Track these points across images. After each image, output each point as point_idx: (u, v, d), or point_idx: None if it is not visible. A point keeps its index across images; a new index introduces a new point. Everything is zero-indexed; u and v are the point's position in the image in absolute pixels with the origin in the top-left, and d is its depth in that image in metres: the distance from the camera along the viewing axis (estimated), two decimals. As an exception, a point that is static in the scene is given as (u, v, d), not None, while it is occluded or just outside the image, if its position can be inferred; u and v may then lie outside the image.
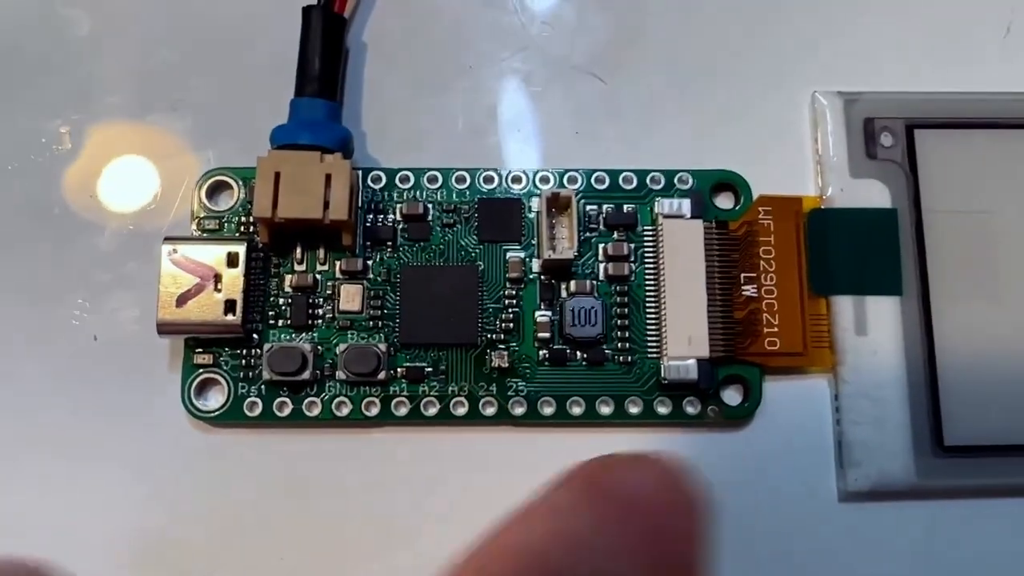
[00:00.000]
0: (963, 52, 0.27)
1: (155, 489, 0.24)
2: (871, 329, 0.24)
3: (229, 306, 0.24)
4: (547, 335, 0.24)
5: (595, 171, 0.25)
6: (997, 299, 0.25)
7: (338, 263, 0.25)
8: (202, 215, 0.25)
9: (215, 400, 0.24)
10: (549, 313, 0.25)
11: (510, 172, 0.25)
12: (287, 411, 0.24)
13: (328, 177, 0.23)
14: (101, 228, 0.25)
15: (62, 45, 0.27)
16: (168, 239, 0.24)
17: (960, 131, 0.26)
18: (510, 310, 0.25)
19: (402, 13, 0.27)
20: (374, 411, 0.24)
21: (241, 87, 0.26)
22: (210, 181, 0.25)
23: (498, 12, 0.27)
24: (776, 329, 0.24)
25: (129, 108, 0.26)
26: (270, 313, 0.24)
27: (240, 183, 0.25)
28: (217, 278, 0.24)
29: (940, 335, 0.24)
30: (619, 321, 0.25)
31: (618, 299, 0.25)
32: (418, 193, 0.25)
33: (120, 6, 0.27)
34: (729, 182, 0.25)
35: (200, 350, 0.24)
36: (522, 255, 0.25)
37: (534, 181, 0.25)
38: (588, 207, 0.25)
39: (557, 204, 0.24)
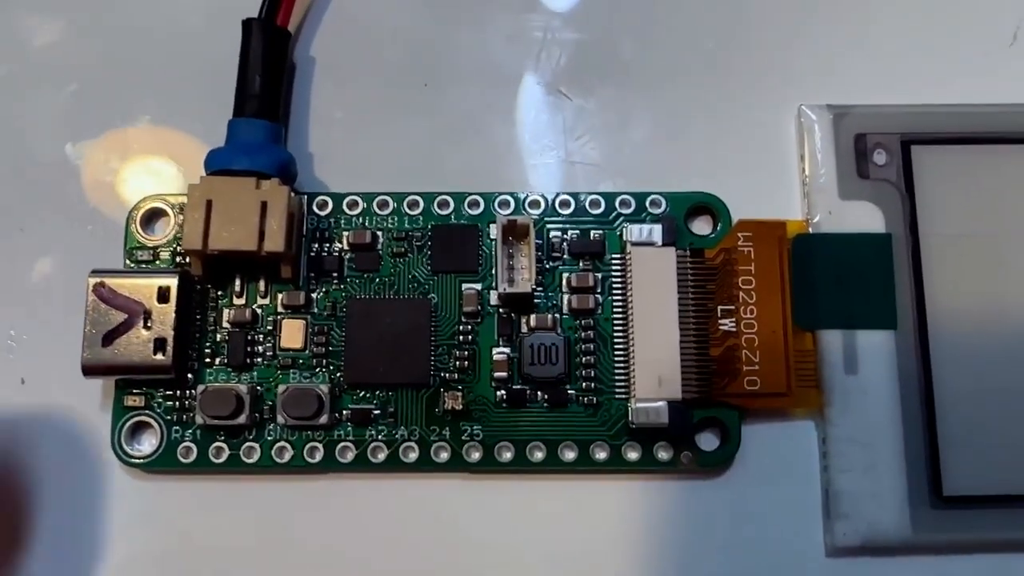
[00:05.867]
0: (964, 61, 0.26)
1: (86, 539, 0.23)
2: (862, 367, 0.23)
3: (159, 345, 0.22)
4: (505, 374, 0.23)
5: (559, 194, 0.24)
6: (1002, 333, 0.24)
7: (280, 296, 0.23)
8: (134, 245, 0.24)
9: (148, 444, 0.23)
10: (507, 350, 0.23)
11: (467, 196, 0.24)
12: (224, 457, 0.23)
13: (264, 205, 0.22)
14: (30, 262, 0.24)
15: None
16: (95, 272, 0.23)
17: (961, 147, 0.25)
18: (465, 347, 0.23)
19: (351, 27, 0.26)
20: (318, 457, 0.23)
21: (181, 107, 0.25)
22: (144, 209, 0.24)
23: (455, 27, 0.26)
24: (757, 367, 0.23)
25: (63, 133, 0.25)
26: (207, 350, 0.23)
27: (176, 210, 0.24)
28: (147, 314, 0.22)
29: (938, 373, 0.23)
30: (584, 359, 0.23)
31: (583, 334, 0.23)
32: (367, 220, 0.24)
33: (54, 34, 0.26)
34: (706, 205, 0.25)
35: (132, 391, 0.23)
36: (478, 287, 0.24)
37: (492, 206, 0.24)
38: (551, 233, 0.24)
39: (515, 232, 0.23)
